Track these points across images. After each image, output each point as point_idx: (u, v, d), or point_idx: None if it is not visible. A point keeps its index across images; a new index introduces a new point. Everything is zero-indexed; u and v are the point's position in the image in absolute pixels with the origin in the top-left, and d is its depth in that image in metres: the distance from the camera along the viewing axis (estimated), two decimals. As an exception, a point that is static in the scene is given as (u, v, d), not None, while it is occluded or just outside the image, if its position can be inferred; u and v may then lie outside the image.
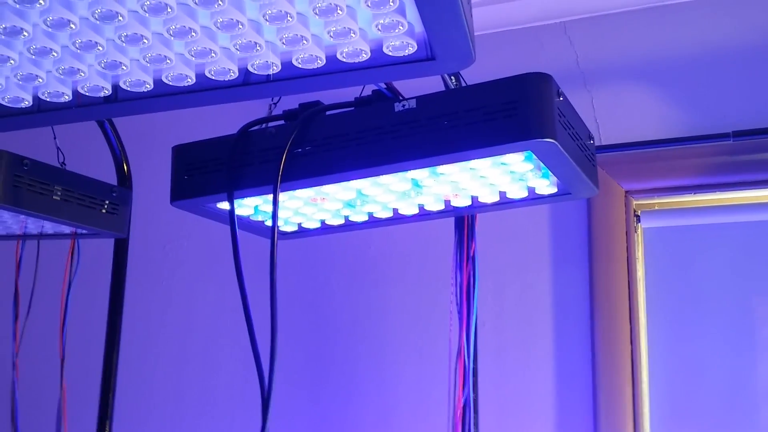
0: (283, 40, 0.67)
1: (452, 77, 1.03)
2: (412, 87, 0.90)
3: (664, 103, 1.59)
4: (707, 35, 1.59)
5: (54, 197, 1.13)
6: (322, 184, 0.95)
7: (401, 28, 0.65)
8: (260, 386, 0.87)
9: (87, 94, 0.75)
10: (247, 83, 0.73)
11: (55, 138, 1.25)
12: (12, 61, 0.69)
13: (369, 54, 0.69)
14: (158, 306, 1.94)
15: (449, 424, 1.05)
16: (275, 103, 1.04)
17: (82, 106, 0.77)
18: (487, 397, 1.42)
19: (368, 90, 0.95)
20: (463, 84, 1.02)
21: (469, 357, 1.06)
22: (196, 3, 0.62)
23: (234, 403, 1.82)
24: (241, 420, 1.80)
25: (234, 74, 0.72)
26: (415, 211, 1.07)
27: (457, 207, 1.05)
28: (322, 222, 1.13)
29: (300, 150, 0.92)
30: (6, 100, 0.77)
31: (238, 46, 0.68)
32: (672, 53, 1.60)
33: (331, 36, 0.67)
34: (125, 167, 1.34)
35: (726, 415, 1.48)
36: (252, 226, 1.10)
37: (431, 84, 0.91)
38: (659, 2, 1.63)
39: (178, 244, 1.96)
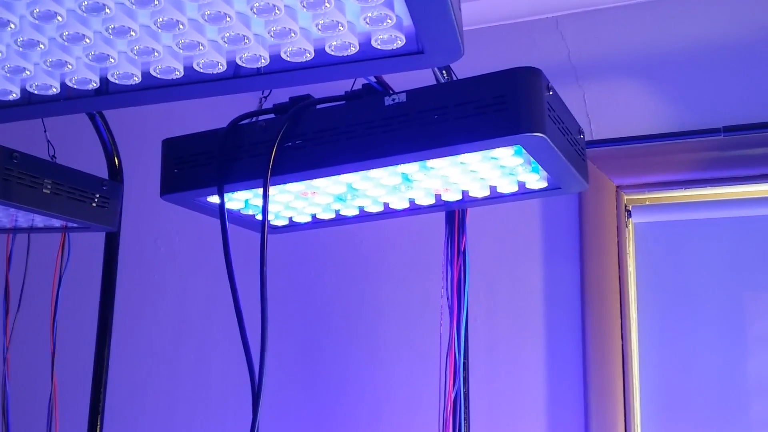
0: (272, 33, 0.67)
1: (443, 71, 1.03)
2: (403, 81, 0.90)
3: (655, 98, 1.59)
4: (699, 31, 1.59)
5: (44, 191, 1.13)
6: (312, 178, 0.95)
7: (389, 21, 0.65)
8: (251, 380, 0.87)
9: (75, 86, 0.75)
10: (236, 76, 0.73)
11: (45, 131, 1.24)
12: (-1, 53, 0.69)
13: (357, 47, 0.69)
14: (149, 300, 1.94)
15: (440, 419, 1.05)
16: (265, 97, 1.04)
17: (70, 99, 0.77)
18: (478, 391, 1.42)
19: (358, 84, 0.95)
20: (454, 78, 1.02)
21: (459, 352, 1.06)
22: (183, -5, 0.62)
23: (226, 397, 1.82)
24: (234, 413, 1.80)
25: (222, 67, 0.72)
26: (406, 205, 1.07)
27: (447, 201, 1.05)
28: (313, 216, 1.13)
29: (290, 143, 0.92)
30: (-7, 92, 0.76)
31: (226, 39, 0.67)
32: (663, 49, 1.61)
33: (319, 29, 0.66)
34: (116, 161, 1.34)
35: (717, 410, 1.49)
36: (242, 220, 1.10)
37: (423, 78, 0.91)
38: (651, -3, 1.63)
39: (170, 238, 1.96)
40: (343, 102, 0.93)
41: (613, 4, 1.65)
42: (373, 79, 0.94)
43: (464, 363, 1.08)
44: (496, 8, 1.70)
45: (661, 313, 1.55)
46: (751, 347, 1.49)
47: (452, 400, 1.06)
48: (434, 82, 1.02)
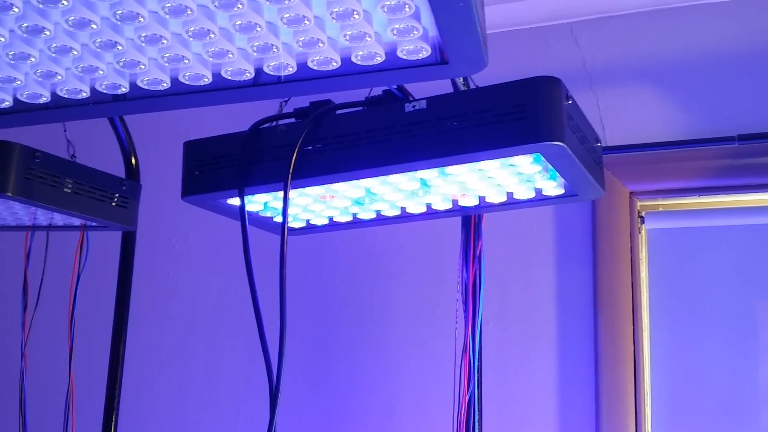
0: (300, 43, 0.68)
1: (462, 78, 1.04)
2: (422, 87, 0.91)
3: (669, 105, 1.60)
4: (714, 38, 1.60)
5: (65, 190, 1.14)
6: (332, 182, 0.96)
7: (416, 32, 0.66)
8: (269, 381, 0.88)
9: (104, 91, 0.76)
10: (264, 83, 0.74)
11: (65, 130, 1.26)
12: (32, 59, 0.70)
13: (383, 57, 0.70)
14: (164, 298, 1.96)
15: (454, 421, 1.07)
16: (286, 101, 1.05)
17: (99, 103, 0.78)
18: (489, 394, 1.43)
19: (378, 90, 0.96)
20: (472, 85, 1.03)
21: (474, 355, 1.07)
22: (215, 5, 0.63)
23: (238, 396, 1.83)
24: (245, 413, 1.82)
25: (250, 75, 0.73)
26: (423, 209, 1.08)
27: (464, 206, 1.06)
28: (330, 219, 1.14)
29: (311, 148, 0.93)
30: (24, 96, 0.78)
31: (255, 48, 0.69)
32: (678, 56, 1.61)
33: (346, 39, 0.68)
34: (134, 160, 1.35)
35: (727, 416, 1.49)
36: (261, 221, 1.11)
37: (441, 85, 0.92)
38: (666, 5, 1.63)
39: (184, 238, 1.98)
40: (363, 108, 0.94)
41: (627, 11, 1.66)
42: (394, 86, 0.95)
43: (478, 366, 1.09)
44: (511, 13, 1.70)
45: (673, 319, 1.56)
46: (761, 354, 1.49)
47: (466, 402, 1.07)
48: (451, 89, 1.03)
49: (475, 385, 1.08)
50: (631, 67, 1.65)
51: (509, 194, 1.02)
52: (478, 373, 1.09)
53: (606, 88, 1.65)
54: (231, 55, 0.70)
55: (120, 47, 0.68)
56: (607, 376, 1.51)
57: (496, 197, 1.03)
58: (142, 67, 0.72)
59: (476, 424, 1.08)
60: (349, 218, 1.13)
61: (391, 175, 0.95)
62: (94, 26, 0.65)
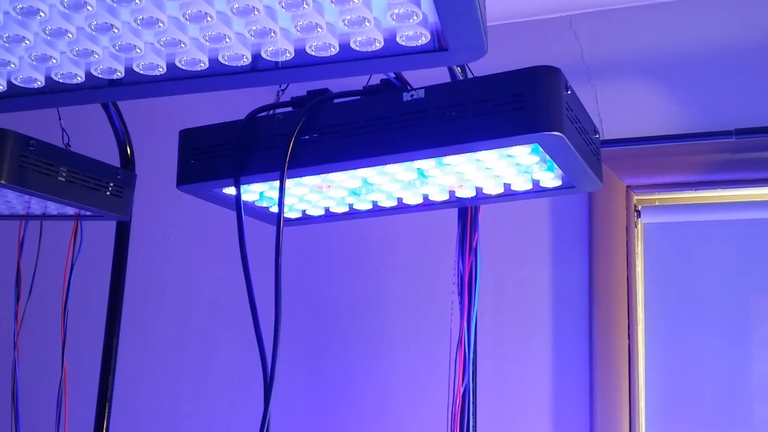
0: (298, 28, 0.67)
1: (459, 68, 1.04)
2: (420, 77, 0.91)
3: (667, 99, 1.60)
4: (712, 32, 1.59)
5: (59, 178, 1.13)
6: (328, 172, 0.95)
7: (416, 18, 0.66)
8: (263, 373, 0.87)
9: (100, 76, 0.75)
10: (261, 69, 0.73)
11: (60, 119, 1.25)
12: (27, 42, 0.70)
13: (382, 43, 0.70)
14: (158, 289, 1.95)
15: (449, 413, 1.06)
16: (283, 90, 1.04)
17: (94, 88, 0.77)
18: (484, 387, 1.42)
19: (375, 79, 0.96)
20: (470, 75, 1.03)
21: (469, 347, 1.07)
22: (213, -12, 0.62)
23: (233, 388, 1.83)
24: (240, 405, 1.81)
25: (247, 60, 0.72)
26: (420, 200, 1.07)
27: (461, 198, 1.05)
28: (327, 209, 1.13)
29: (307, 137, 0.92)
30: (18, 80, 0.77)
31: (252, 33, 0.68)
32: (677, 50, 1.61)
33: (345, 24, 0.67)
34: (129, 150, 1.34)
35: (722, 411, 1.49)
36: (256, 211, 1.11)
37: (438, 75, 0.91)
38: (665, -2, 1.63)
39: (179, 229, 1.97)
40: (361, 97, 0.94)
41: (626, 4, 1.65)
42: (392, 75, 0.95)
43: (473, 358, 1.09)
44: (510, 6, 1.70)
45: (668, 314, 1.56)
46: (756, 349, 1.50)
47: (461, 395, 1.07)
48: (449, 79, 1.03)
49: (470, 377, 1.08)
50: (629, 60, 1.64)
51: (507, 185, 1.01)
52: (473, 365, 1.09)
53: (604, 82, 1.65)
54: (228, 40, 0.69)
55: (116, 30, 0.67)
56: (601, 369, 1.51)
57: (494, 188, 1.02)
58: (138, 51, 0.71)
59: (471, 416, 1.08)
60: (346, 209, 1.12)
61: (388, 165, 0.94)
62: (89, 8, 0.64)
